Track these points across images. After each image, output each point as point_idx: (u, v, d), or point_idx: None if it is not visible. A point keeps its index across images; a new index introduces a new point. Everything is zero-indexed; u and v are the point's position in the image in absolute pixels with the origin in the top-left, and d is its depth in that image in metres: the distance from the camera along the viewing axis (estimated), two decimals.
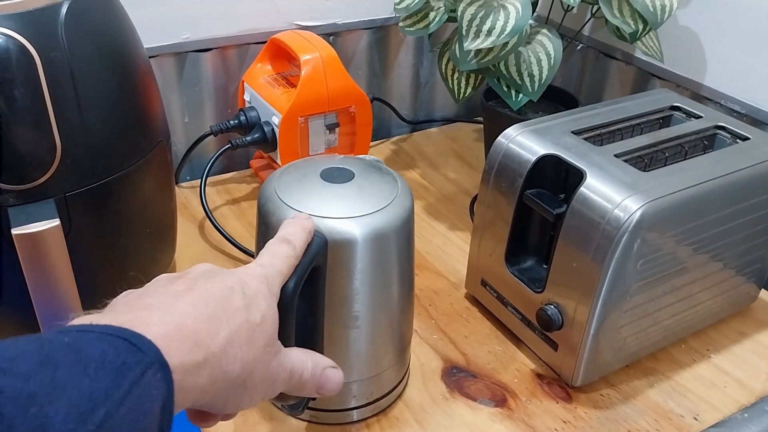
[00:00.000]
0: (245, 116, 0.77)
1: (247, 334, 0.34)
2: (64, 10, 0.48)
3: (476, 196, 0.81)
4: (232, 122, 0.77)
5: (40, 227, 0.47)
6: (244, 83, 0.80)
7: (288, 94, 0.75)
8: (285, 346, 0.38)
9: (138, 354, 0.28)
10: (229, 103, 0.84)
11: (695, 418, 0.56)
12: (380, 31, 0.90)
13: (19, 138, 0.47)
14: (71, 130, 0.49)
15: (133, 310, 0.32)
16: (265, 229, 0.47)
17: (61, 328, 0.28)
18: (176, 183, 0.83)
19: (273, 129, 0.75)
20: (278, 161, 0.77)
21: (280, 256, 0.39)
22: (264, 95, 0.76)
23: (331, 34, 0.86)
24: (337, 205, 0.46)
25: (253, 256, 0.70)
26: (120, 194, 0.54)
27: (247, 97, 0.80)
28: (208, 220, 0.71)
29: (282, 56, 0.79)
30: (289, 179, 0.49)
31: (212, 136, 0.78)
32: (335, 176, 0.49)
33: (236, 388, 0.34)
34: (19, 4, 0.47)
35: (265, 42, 0.80)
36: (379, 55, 0.92)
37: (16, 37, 0.45)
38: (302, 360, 0.38)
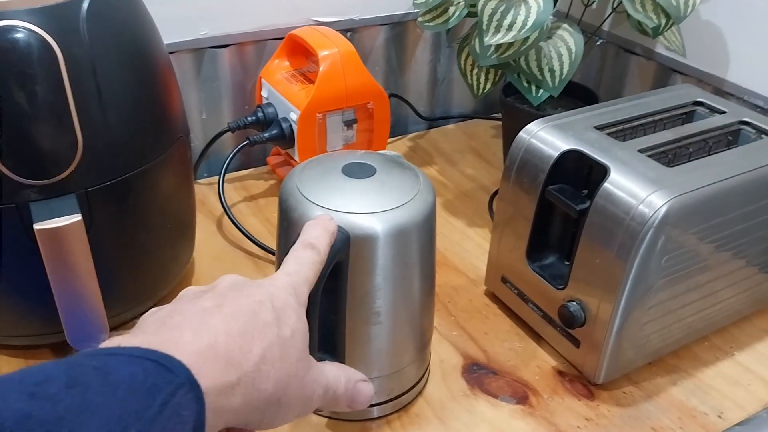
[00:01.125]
0: (263, 113, 0.77)
1: (280, 350, 0.33)
2: (85, 5, 0.48)
3: (495, 192, 0.80)
4: (249, 119, 0.77)
5: (61, 222, 0.47)
6: (262, 79, 0.80)
7: (306, 90, 0.75)
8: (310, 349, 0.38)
9: (168, 375, 0.27)
10: (246, 99, 0.84)
11: (719, 416, 0.55)
12: (398, 27, 0.90)
13: (41, 133, 0.47)
14: (93, 126, 0.49)
15: (163, 330, 0.32)
16: (287, 225, 0.47)
17: (89, 352, 0.28)
18: (195, 180, 0.83)
19: (291, 125, 0.75)
20: (296, 158, 0.76)
21: (305, 263, 0.39)
22: (282, 91, 0.76)
23: (349, 30, 0.86)
24: (359, 201, 0.46)
25: (271, 252, 0.70)
26: (140, 190, 0.54)
27: (264, 94, 0.80)
28: (225, 216, 0.71)
29: (300, 52, 0.79)
30: (311, 174, 0.48)
31: (230, 132, 0.78)
32: (357, 171, 0.48)
33: (271, 406, 0.33)
34: None
35: (282, 38, 0.79)
36: (397, 51, 0.91)
37: (39, 32, 0.45)
38: (335, 374, 0.38)
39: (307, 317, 0.38)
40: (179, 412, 0.27)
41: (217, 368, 0.30)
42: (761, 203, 0.55)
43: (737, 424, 0.54)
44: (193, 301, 0.34)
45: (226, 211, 0.71)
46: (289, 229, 0.47)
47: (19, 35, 0.45)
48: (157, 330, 0.32)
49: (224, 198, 0.72)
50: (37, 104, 0.46)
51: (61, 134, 0.48)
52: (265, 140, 0.75)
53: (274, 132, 0.75)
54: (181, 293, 0.36)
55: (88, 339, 0.52)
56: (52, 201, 0.48)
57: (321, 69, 0.73)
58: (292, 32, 0.77)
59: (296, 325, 0.35)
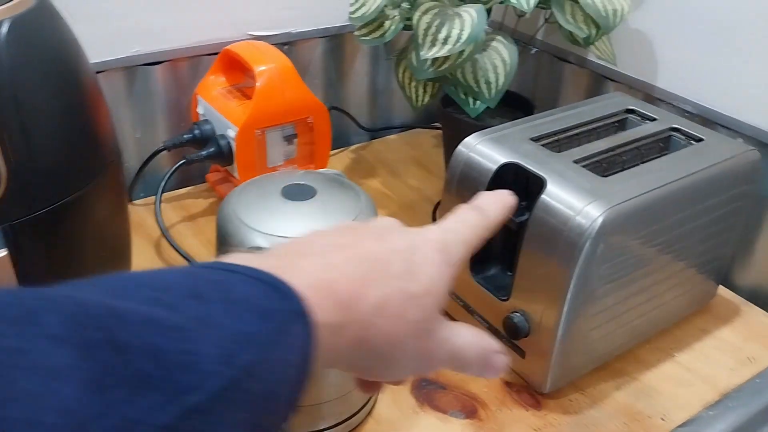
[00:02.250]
0: (199, 130, 0.76)
1: (400, 305, 0.30)
2: (4, 29, 0.46)
3: (438, 203, 0.81)
4: (185, 137, 0.75)
5: None
6: (197, 96, 0.78)
7: (243, 106, 0.73)
8: None
9: (283, 301, 0.26)
10: (182, 117, 0.82)
11: (662, 419, 0.57)
12: (335, 40, 0.89)
13: None
14: (17, 156, 0.46)
15: (287, 255, 0.30)
16: (226, 253, 0.46)
17: (209, 264, 0.27)
18: (130, 201, 0.80)
19: (229, 142, 0.73)
20: (235, 175, 0.75)
21: (468, 224, 0.35)
22: (218, 108, 0.74)
23: (286, 44, 0.85)
24: (300, 224, 0.45)
25: None
26: (70, 219, 0.52)
27: (200, 111, 0.78)
28: (164, 239, 0.69)
29: (236, 68, 0.77)
30: (249, 198, 0.47)
31: (166, 151, 0.76)
32: (296, 193, 0.48)
33: (380, 361, 0.31)
34: None
35: (217, 53, 0.78)
36: (335, 63, 0.91)
37: None
38: (468, 342, 0.34)
39: None
40: (292, 341, 0.26)
41: (328, 306, 0.28)
42: (694, 208, 0.57)
43: (680, 426, 0.56)
44: (336, 235, 0.32)
45: (164, 233, 0.69)
46: None
47: None
48: (281, 254, 0.30)
49: (161, 220, 0.69)
50: None
51: None
52: (203, 158, 0.73)
53: (212, 150, 0.73)
54: (337, 225, 0.34)
55: None
56: None
57: (258, 84, 0.71)
58: (227, 47, 0.76)
59: (431, 284, 0.31)
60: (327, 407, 0.51)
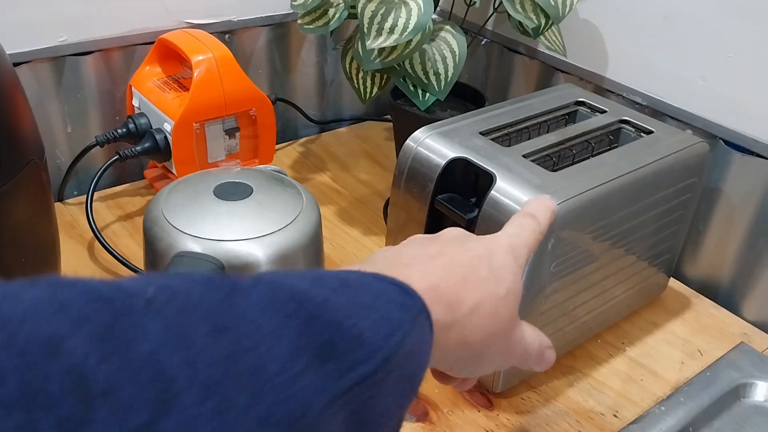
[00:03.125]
0: (134, 124, 0.71)
1: (492, 306, 0.34)
2: None
3: (389, 198, 0.78)
4: (119, 131, 0.71)
5: None
6: (132, 88, 0.74)
7: (180, 98, 0.69)
8: None
9: (411, 299, 0.29)
10: (116, 109, 0.78)
11: (615, 416, 0.56)
12: (280, 28, 0.86)
13: None
14: None
15: (394, 267, 0.33)
16: (153, 258, 0.43)
17: (338, 270, 0.30)
18: (61, 200, 0.75)
19: (165, 137, 0.69)
20: (174, 171, 0.71)
21: (526, 229, 0.39)
22: (154, 101, 0.71)
23: (227, 33, 0.81)
24: (234, 226, 0.43)
25: None
26: None
27: (135, 103, 0.74)
28: (96, 241, 0.65)
29: (172, 57, 0.74)
30: (178, 198, 0.44)
31: (98, 147, 0.71)
32: (231, 192, 0.45)
33: (474, 358, 0.34)
34: None
35: (152, 43, 0.74)
36: (280, 53, 0.87)
37: None
38: (533, 338, 0.38)
39: None
40: (421, 332, 0.29)
41: (437, 308, 0.31)
42: (644, 201, 0.56)
43: (632, 422, 0.55)
44: (419, 246, 0.36)
45: (96, 234, 0.65)
46: (155, 262, 0.42)
47: None
48: (389, 266, 0.33)
49: (93, 219, 0.65)
50: None
51: None
52: (138, 154, 0.69)
53: (147, 145, 0.69)
54: (408, 239, 0.37)
55: None
56: None
57: (195, 75, 0.68)
58: (162, 36, 0.72)
59: (512, 285, 0.35)
60: None
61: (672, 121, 0.71)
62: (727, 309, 0.69)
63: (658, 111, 0.72)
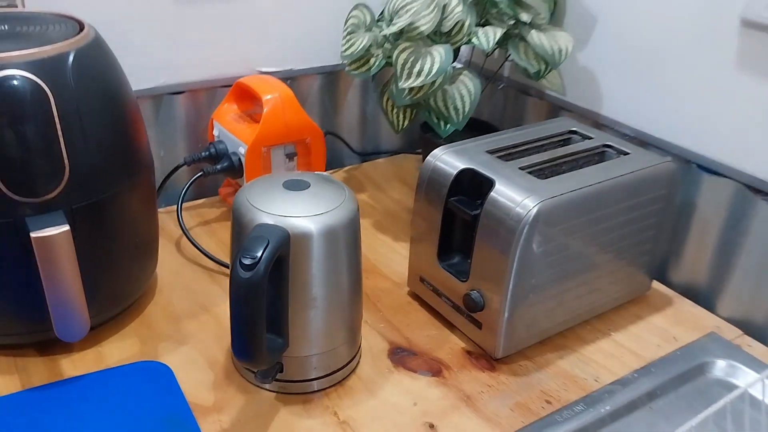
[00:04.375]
0: (215, 148, 0.89)
1: None
2: (71, 57, 0.60)
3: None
4: (203, 153, 0.89)
5: (53, 231, 0.58)
6: (213, 121, 0.92)
7: (252, 128, 0.87)
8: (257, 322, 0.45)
9: None
10: (198, 138, 0.96)
11: (596, 380, 0.68)
12: (330, 76, 1.04)
13: (36, 161, 0.58)
14: (77, 155, 0.60)
15: None
16: (239, 229, 0.59)
17: None
18: None
19: (240, 158, 0.87)
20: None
21: None
22: (231, 130, 0.88)
23: (289, 78, 0.99)
24: (296, 207, 0.58)
25: (225, 266, 0.81)
26: (114, 209, 0.65)
27: (216, 133, 0.92)
28: (183, 239, 0.82)
29: (246, 97, 0.92)
30: (258, 189, 0.61)
31: (185, 167, 0.89)
32: (294, 186, 0.61)
33: None
34: (36, 53, 0.58)
35: (230, 85, 0.92)
36: (330, 95, 1.05)
37: (35, 79, 0.57)
38: None
39: (255, 298, 0.49)
40: None
41: None
42: (618, 206, 0.70)
43: (609, 384, 0.68)
44: None
45: (184, 230, 0.82)
46: (240, 233, 0.58)
47: (18, 82, 0.56)
48: None
49: (182, 220, 0.83)
50: (34, 137, 0.57)
51: (51, 161, 0.58)
52: (218, 171, 0.87)
53: (226, 164, 0.87)
54: None
55: (74, 334, 0.62)
56: (44, 215, 0.59)
57: (265, 110, 0.85)
58: (239, 80, 0.90)
59: None
60: (316, 359, 0.63)
61: (656, 149, 0.85)
62: (703, 307, 0.81)
63: (644, 141, 0.86)
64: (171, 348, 0.69)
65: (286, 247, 0.57)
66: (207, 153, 0.89)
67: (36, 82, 0.57)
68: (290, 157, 0.90)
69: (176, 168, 0.90)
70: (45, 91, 0.57)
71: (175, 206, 0.85)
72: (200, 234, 0.88)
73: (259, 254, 0.53)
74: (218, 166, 0.87)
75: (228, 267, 0.81)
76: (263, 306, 0.55)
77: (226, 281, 0.80)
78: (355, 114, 1.09)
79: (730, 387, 0.69)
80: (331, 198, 0.61)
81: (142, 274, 0.73)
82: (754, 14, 0.72)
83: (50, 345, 0.67)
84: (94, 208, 0.62)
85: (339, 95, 1.06)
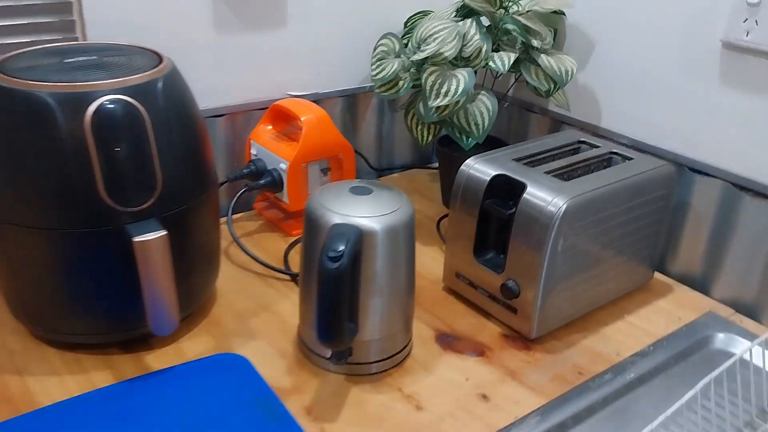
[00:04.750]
0: (255, 166, 0.98)
1: None
2: (160, 84, 0.68)
3: (439, 219, 1.04)
4: (244, 170, 0.97)
5: (152, 236, 0.65)
6: (251, 141, 1.00)
7: (291, 146, 0.96)
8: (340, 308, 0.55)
9: None
10: (236, 158, 1.04)
11: (617, 354, 0.78)
12: (351, 98, 1.13)
13: (135, 174, 0.66)
14: (167, 169, 0.68)
15: None
16: (315, 230, 0.67)
17: None
18: None
19: (280, 174, 0.95)
20: (285, 200, 0.97)
21: None
22: (271, 148, 0.97)
23: (315, 101, 1.08)
24: (362, 209, 0.67)
25: (276, 269, 0.89)
26: (194, 218, 0.73)
27: (254, 152, 1.00)
28: (231, 248, 0.90)
29: (281, 118, 1.00)
30: (329, 195, 0.70)
31: (228, 183, 0.97)
32: (360, 191, 0.70)
33: None
34: (132, 80, 0.66)
35: (264, 108, 1.01)
36: (351, 116, 1.15)
37: (134, 103, 0.65)
38: None
39: (341, 288, 0.57)
40: None
41: None
42: (629, 204, 0.80)
43: (630, 356, 0.78)
44: None
45: (235, 239, 0.90)
46: (317, 232, 0.67)
47: (121, 105, 0.64)
48: None
49: (233, 230, 0.91)
50: (134, 154, 0.65)
51: (148, 175, 0.66)
52: (261, 186, 0.95)
53: (268, 179, 0.95)
54: None
55: (166, 328, 0.69)
56: (143, 222, 0.66)
57: (304, 129, 0.94)
58: (275, 103, 0.99)
59: None
60: (378, 343, 0.71)
61: (645, 153, 0.96)
62: (700, 292, 0.92)
63: (640, 148, 0.98)
64: (242, 342, 0.77)
65: (360, 243, 0.65)
66: (248, 170, 0.97)
67: (135, 106, 0.65)
68: (324, 171, 0.99)
69: (221, 184, 0.98)
70: (142, 114, 0.65)
71: (225, 217, 0.93)
72: (245, 244, 0.96)
73: (342, 248, 0.62)
74: (261, 181, 0.96)
75: (279, 271, 0.89)
76: (346, 294, 0.63)
77: (279, 284, 0.88)
78: (372, 133, 1.19)
79: (729, 355, 0.80)
80: (391, 202, 0.70)
81: (211, 277, 0.80)
82: (732, 38, 0.84)
83: (133, 343, 0.74)
84: (179, 216, 0.70)
85: (358, 116, 1.16)
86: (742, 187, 0.87)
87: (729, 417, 0.72)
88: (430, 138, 0.98)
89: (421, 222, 1.05)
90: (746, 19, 0.82)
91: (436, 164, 1.20)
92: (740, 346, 0.81)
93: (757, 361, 0.75)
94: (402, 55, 0.95)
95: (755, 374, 0.74)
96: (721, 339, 0.82)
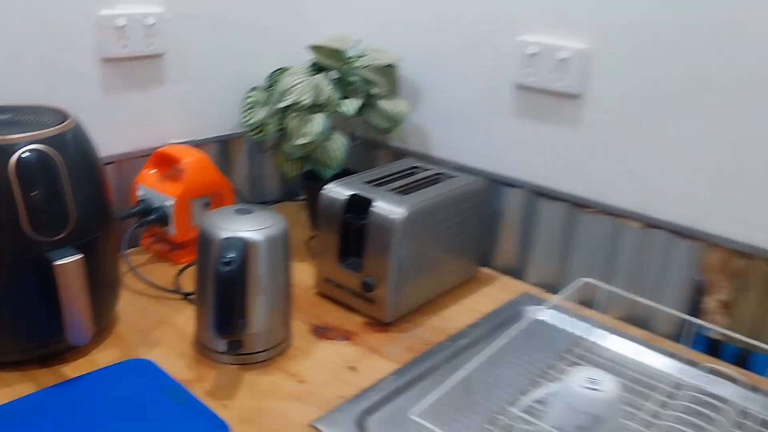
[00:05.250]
0: (144, 204, 1.12)
1: None
2: (69, 135, 0.83)
3: (309, 239, 1.23)
4: (134, 209, 1.11)
5: (70, 260, 0.79)
6: (137, 184, 1.14)
7: (175, 186, 1.11)
8: (234, 305, 0.74)
9: None
10: (123, 199, 1.18)
11: (454, 328, 1.00)
12: (225, 143, 1.31)
13: (53, 209, 0.79)
14: (77, 205, 0.82)
15: None
16: (209, 244, 0.84)
17: None
18: None
19: (167, 210, 1.10)
20: (172, 232, 1.11)
21: None
22: (157, 188, 1.12)
23: (194, 146, 1.25)
24: (248, 225, 0.85)
25: (172, 292, 1.04)
26: (101, 246, 0.87)
27: (140, 193, 1.14)
28: (126, 276, 1.03)
29: (164, 163, 1.16)
30: (219, 216, 0.87)
31: (120, 221, 1.11)
32: (243, 212, 0.88)
33: None
34: (46, 132, 0.80)
35: (147, 155, 1.16)
36: (226, 158, 1.32)
37: (50, 151, 0.79)
38: None
39: (234, 290, 0.75)
40: None
41: None
42: (451, 211, 1.04)
43: (463, 328, 1.00)
44: None
45: (132, 268, 1.03)
46: (209, 249, 0.83)
47: (38, 154, 0.78)
48: None
49: (129, 260, 1.04)
50: (51, 193, 0.79)
51: (63, 210, 0.80)
52: (151, 221, 1.10)
53: (157, 215, 1.10)
54: None
55: (82, 339, 0.82)
56: (60, 249, 0.80)
57: (186, 170, 1.10)
58: (158, 149, 1.14)
59: None
60: (264, 335, 0.88)
61: (465, 172, 1.22)
62: (518, 279, 1.17)
63: (461, 170, 1.23)
64: (147, 350, 0.91)
65: (246, 252, 0.83)
66: (138, 209, 1.11)
67: (50, 154, 0.79)
68: (206, 206, 1.15)
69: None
70: (56, 160, 0.79)
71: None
72: (140, 272, 1.10)
73: (233, 255, 0.79)
74: (151, 217, 1.10)
75: (173, 291, 1.04)
76: (237, 294, 0.80)
77: (173, 303, 1.02)
78: (245, 172, 1.36)
79: (544, 322, 1.05)
80: (269, 219, 0.88)
81: (115, 297, 0.94)
82: (520, 80, 1.12)
83: (50, 358, 0.86)
84: (90, 244, 0.84)
85: (233, 157, 1.33)
86: (540, 193, 1.14)
87: (533, 362, 0.96)
88: (296, 171, 1.18)
89: (293, 243, 1.24)
90: (529, 67, 1.10)
91: (302, 197, 1.39)
92: (544, 313, 1.06)
93: (549, 320, 1.00)
94: (268, 105, 1.15)
95: (552, 330, 0.98)
96: (532, 310, 1.07)
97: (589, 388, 0.72)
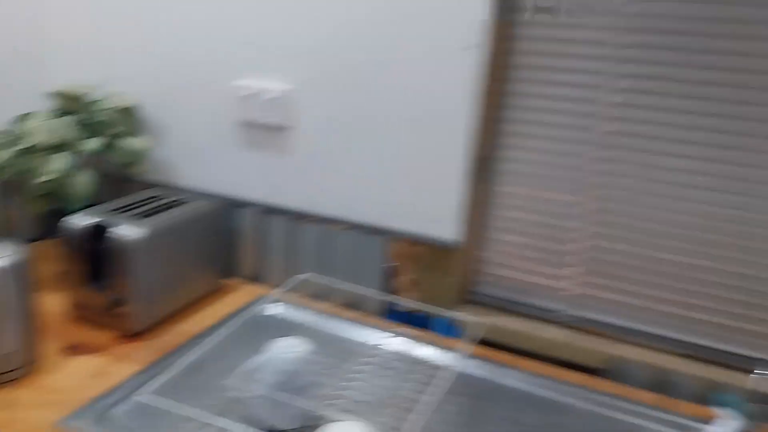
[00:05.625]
0: None
1: None
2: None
3: (65, 270, 1.32)
4: None
5: None
6: None
7: None
8: None
9: None
10: None
11: (199, 330, 1.18)
12: None
13: None
14: None
15: None
16: None
17: None
18: None
19: None
20: None
21: None
22: None
23: None
24: None
25: None
26: None
27: None
28: None
29: None
30: None
31: None
32: None
33: None
34: None
35: None
36: None
37: None
38: None
39: None
40: None
41: None
42: (193, 229, 1.21)
43: (207, 329, 1.18)
44: None
45: None
46: None
47: None
48: None
49: None
50: None
51: None
52: None
53: None
54: None
55: None
56: None
57: None
58: None
59: None
60: (8, 356, 0.99)
61: (204, 197, 1.40)
62: (258, 284, 1.38)
63: (199, 195, 1.41)
64: None
65: None
66: None
67: None
68: None
69: None
70: None
71: None
72: None
73: None
74: None
75: None
76: None
77: None
78: (2, 213, 1.42)
79: (274, 315, 1.25)
80: (7, 251, 0.99)
81: None
82: (243, 118, 1.33)
83: None
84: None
85: None
86: (268, 210, 1.36)
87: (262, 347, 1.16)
88: (43, 208, 1.27)
89: (49, 276, 1.33)
90: (244, 106, 1.31)
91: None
92: (276, 309, 1.27)
93: (283, 314, 1.22)
94: (10, 147, 1.24)
95: (280, 321, 1.20)
96: (266, 309, 1.27)
97: (286, 352, 0.93)
